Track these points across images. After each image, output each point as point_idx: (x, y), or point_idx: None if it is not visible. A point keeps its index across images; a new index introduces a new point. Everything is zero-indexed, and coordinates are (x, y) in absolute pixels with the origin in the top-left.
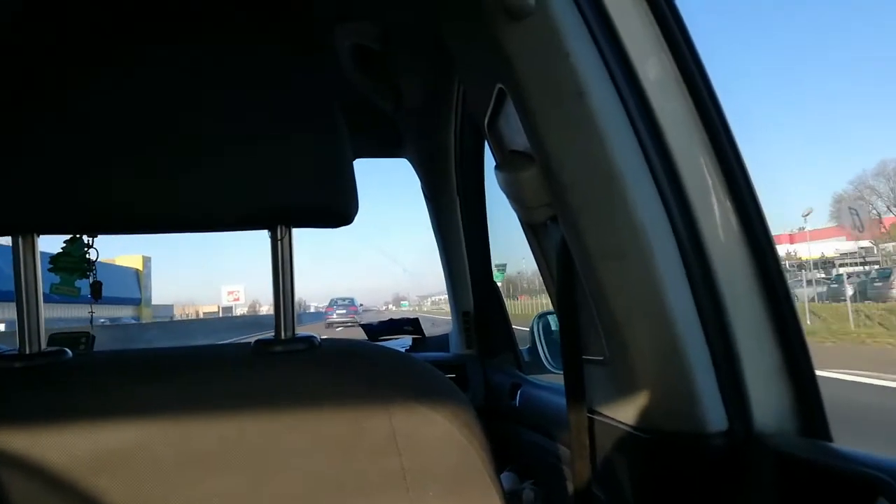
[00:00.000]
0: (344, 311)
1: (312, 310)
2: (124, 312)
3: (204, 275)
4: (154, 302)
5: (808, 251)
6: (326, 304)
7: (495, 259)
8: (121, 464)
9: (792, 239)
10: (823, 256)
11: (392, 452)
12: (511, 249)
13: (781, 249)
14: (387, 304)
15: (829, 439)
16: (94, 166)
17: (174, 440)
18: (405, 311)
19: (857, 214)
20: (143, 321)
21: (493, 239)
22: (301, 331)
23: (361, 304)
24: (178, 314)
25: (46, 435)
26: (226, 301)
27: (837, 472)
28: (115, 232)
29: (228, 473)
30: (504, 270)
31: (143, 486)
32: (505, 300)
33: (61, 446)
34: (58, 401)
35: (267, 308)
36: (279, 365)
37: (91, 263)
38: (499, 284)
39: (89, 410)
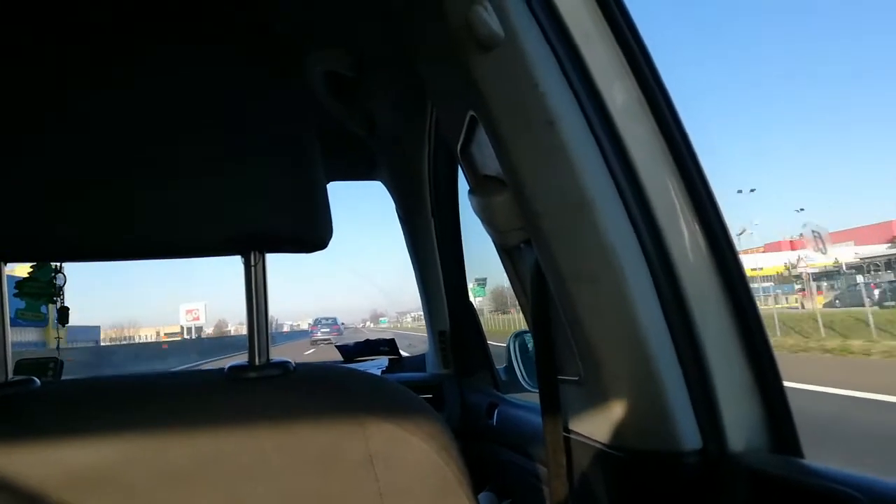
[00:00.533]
0: (328, 330)
1: (287, 329)
2: (27, 336)
3: (158, 292)
4: (79, 322)
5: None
6: (301, 323)
7: (475, 272)
8: (95, 484)
9: (793, 245)
10: (837, 262)
11: (369, 476)
12: (497, 263)
13: (785, 256)
14: (364, 321)
15: (801, 455)
16: (63, 193)
17: (149, 460)
18: (384, 328)
19: (820, 237)
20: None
21: (474, 252)
22: (277, 353)
23: (343, 323)
24: (108, 338)
25: (18, 455)
26: (185, 320)
27: (810, 489)
28: (85, 259)
29: (204, 493)
30: (485, 285)
31: (117, 502)
32: (495, 314)
33: (34, 466)
34: (29, 425)
35: (234, 328)
36: (254, 390)
37: (58, 289)
38: (479, 300)
39: (62, 432)
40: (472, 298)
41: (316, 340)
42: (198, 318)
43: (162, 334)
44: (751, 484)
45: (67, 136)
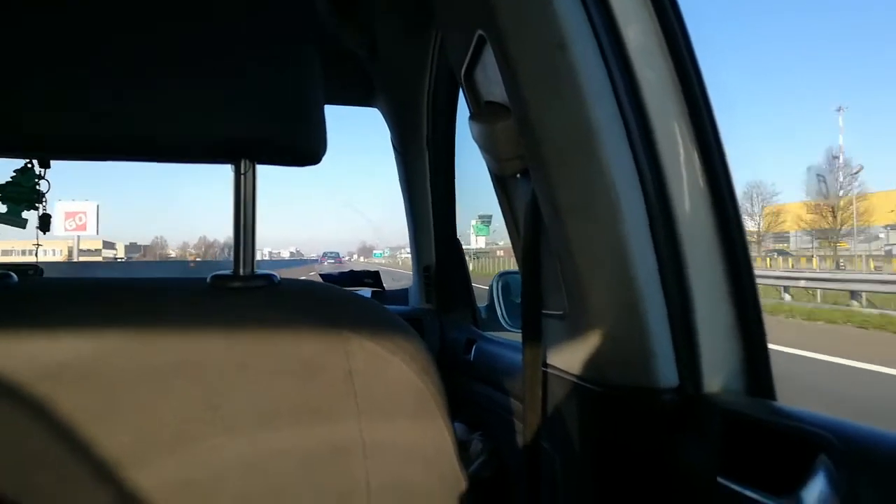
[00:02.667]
0: (332, 261)
1: (266, 256)
2: None
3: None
4: None
5: None
6: (282, 251)
7: (479, 209)
8: (70, 378)
9: None
10: None
11: (348, 390)
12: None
13: None
14: (351, 254)
15: (774, 399)
16: (45, 86)
17: (126, 356)
18: (378, 262)
19: (825, 181)
20: None
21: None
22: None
23: (346, 256)
24: None
25: None
26: (64, 231)
27: (782, 429)
28: (66, 157)
29: (180, 392)
30: (489, 223)
31: (98, 397)
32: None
33: (14, 355)
34: (8, 316)
35: (177, 251)
36: (237, 299)
37: (41, 195)
38: (482, 240)
39: (37, 325)
40: (473, 238)
41: (323, 267)
42: (84, 227)
43: None
44: (724, 424)
45: (54, 31)
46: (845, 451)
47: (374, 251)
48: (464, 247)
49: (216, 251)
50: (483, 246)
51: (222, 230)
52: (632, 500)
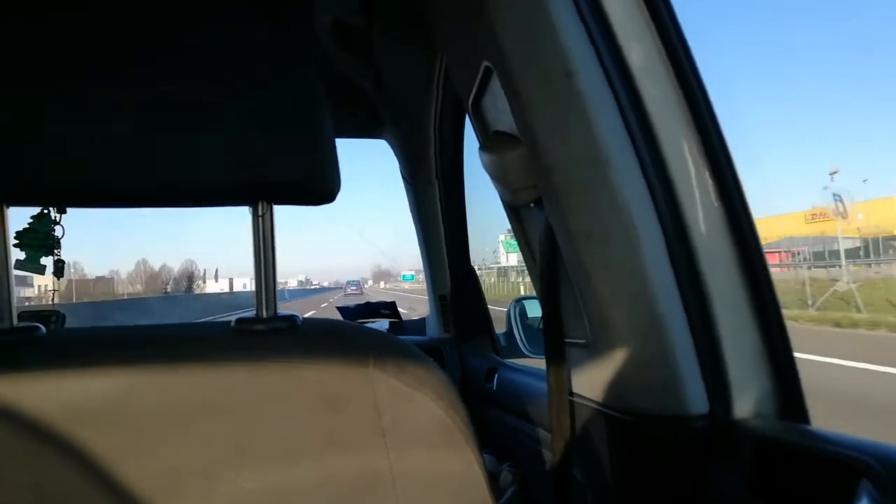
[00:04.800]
0: (354, 288)
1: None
2: None
3: None
4: None
5: None
6: (290, 280)
7: (504, 223)
8: (97, 417)
9: None
10: None
11: (375, 427)
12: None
13: None
14: (364, 280)
15: (807, 422)
16: (65, 137)
17: (152, 395)
18: (409, 287)
19: (841, 200)
20: None
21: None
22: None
23: (366, 283)
24: None
25: (23, 389)
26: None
27: (820, 455)
28: (87, 205)
29: (206, 431)
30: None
31: (125, 437)
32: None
33: (38, 399)
34: (35, 364)
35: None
36: (261, 343)
37: (57, 241)
38: (513, 257)
39: (66, 368)
40: (503, 254)
41: (348, 293)
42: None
43: None
44: (758, 450)
45: (70, 80)
46: (889, 476)
47: (403, 273)
48: (494, 265)
49: (165, 284)
50: (515, 263)
51: (177, 253)
52: None
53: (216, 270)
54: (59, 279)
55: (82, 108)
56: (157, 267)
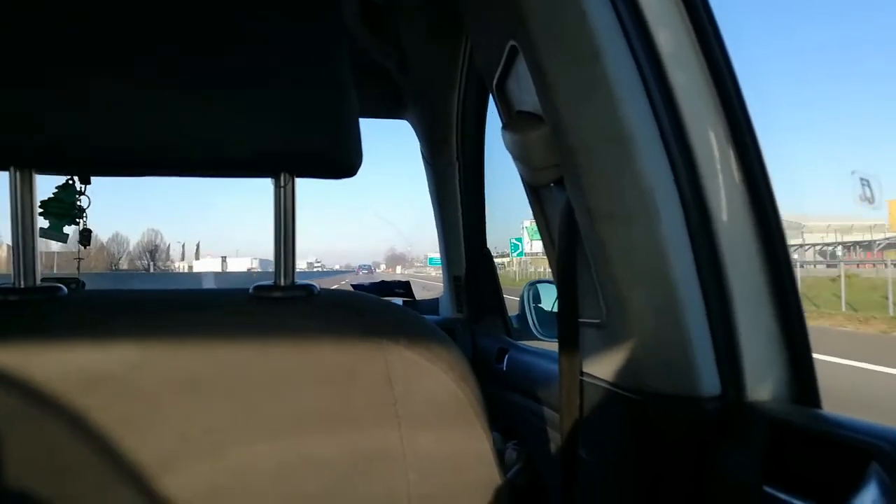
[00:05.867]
0: (366, 271)
1: (256, 267)
2: None
3: None
4: None
5: None
6: (299, 262)
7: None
8: (109, 386)
9: None
10: None
11: (387, 398)
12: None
13: None
14: (377, 264)
15: (819, 406)
16: (89, 104)
17: (165, 366)
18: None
19: (869, 185)
20: None
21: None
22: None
23: (378, 267)
24: None
25: (39, 353)
26: None
27: (830, 438)
28: (113, 173)
29: (219, 401)
30: None
31: (138, 406)
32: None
33: (52, 365)
34: (53, 326)
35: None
36: (277, 310)
37: (82, 211)
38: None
39: (81, 335)
40: (527, 241)
41: (359, 275)
42: None
43: None
44: (769, 432)
45: (95, 48)
46: None
47: (430, 256)
48: (518, 254)
49: (115, 260)
50: (539, 250)
51: (135, 222)
52: None
53: (197, 246)
54: (85, 247)
55: (110, 80)
56: (105, 238)
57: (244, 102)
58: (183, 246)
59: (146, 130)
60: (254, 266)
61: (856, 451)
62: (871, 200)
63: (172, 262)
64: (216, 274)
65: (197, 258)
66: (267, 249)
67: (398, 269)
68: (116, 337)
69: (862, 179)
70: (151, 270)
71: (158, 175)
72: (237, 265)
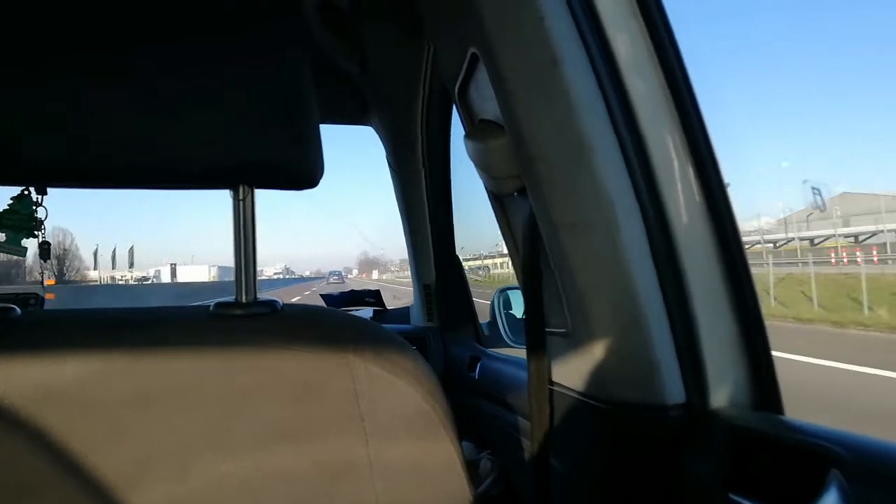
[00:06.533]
0: (336, 278)
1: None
2: None
3: None
4: None
5: None
6: (265, 269)
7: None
8: (67, 401)
9: None
10: None
11: (353, 413)
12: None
13: None
14: (349, 269)
15: (781, 413)
16: (43, 113)
17: (124, 381)
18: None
19: (820, 194)
20: None
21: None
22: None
23: (350, 273)
24: None
25: None
26: None
27: (792, 444)
28: (66, 185)
29: (184, 415)
30: None
31: (98, 422)
32: None
33: (14, 380)
34: (10, 345)
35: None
36: (239, 327)
37: (40, 223)
38: None
39: (37, 351)
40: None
41: (329, 283)
42: None
43: None
44: (733, 439)
45: (49, 60)
46: (856, 465)
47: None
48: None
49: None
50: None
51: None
52: None
53: (130, 253)
54: (45, 261)
55: (62, 89)
56: None
57: (200, 112)
58: (114, 252)
59: (101, 141)
60: (212, 275)
61: (816, 457)
62: (822, 209)
63: (88, 270)
64: (151, 285)
65: (131, 266)
66: (261, 257)
67: (375, 275)
68: (71, 353)
69: (813, 188)
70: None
71: (115, 187)
72: (192, 274)
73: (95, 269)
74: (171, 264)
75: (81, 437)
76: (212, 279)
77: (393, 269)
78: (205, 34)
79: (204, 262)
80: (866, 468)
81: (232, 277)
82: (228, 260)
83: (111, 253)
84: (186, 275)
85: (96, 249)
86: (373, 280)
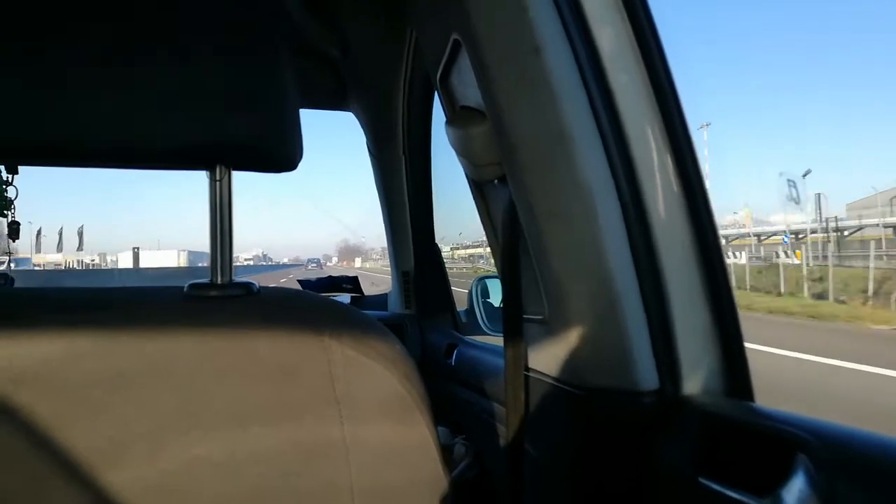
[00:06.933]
0: (314, 266)
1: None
2: None
3: None
4: None
5: None
6: (240, 255)
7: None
8: (37, 382)
9: None
10: None
11: (329, 396)
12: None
13: None
14: (328, 257)
15: (752, 400)
16: (14, 90)
17: (95, 361)
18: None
19: (795, 186)
20: None
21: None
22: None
23: (330, 260)
24: None
25: None
26: None
27: (760, 430)
28: (38, 163)
29: (156, 395)
30: None
31: (68, 401)
32: None
33: None
34: None
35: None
36: (215, 309)
37: (9, 202)
38: None
39: (12, 328)
40: None
41: (308, 270)
42: None
43: None
44: (704, 425)
45: (20, 37)
46: (823, 450)
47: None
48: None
49: None
50: None
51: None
52: (614, 501)
53: (79, 233)
54: (14, 241)
55: (35, 65)
56: None
57: (176, 90)
58: (60, 232)
59: (75, 120)
60: (182, 261)
61: (784, 442)
62: (797, 201)
63: (13, 252)
64: (97, 270)
65: (79, 248)
66: (201, 242)
67: (358, 262)
68: (41, 332)
69: (789, 181)
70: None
71: (89, 166)
72: (158, 260)
73: (39, 251)
74: (134, 248)
75: (53, 416)
76: (181, 265)
77: (375, 256)
78: (184, 13)
79: (173, 248)
80: (832, 453)
81: (204, 263)
82: (202, 245)
83: (58, 234)
84: (151, 260)
85: (39, 230)
86: (355, 269)
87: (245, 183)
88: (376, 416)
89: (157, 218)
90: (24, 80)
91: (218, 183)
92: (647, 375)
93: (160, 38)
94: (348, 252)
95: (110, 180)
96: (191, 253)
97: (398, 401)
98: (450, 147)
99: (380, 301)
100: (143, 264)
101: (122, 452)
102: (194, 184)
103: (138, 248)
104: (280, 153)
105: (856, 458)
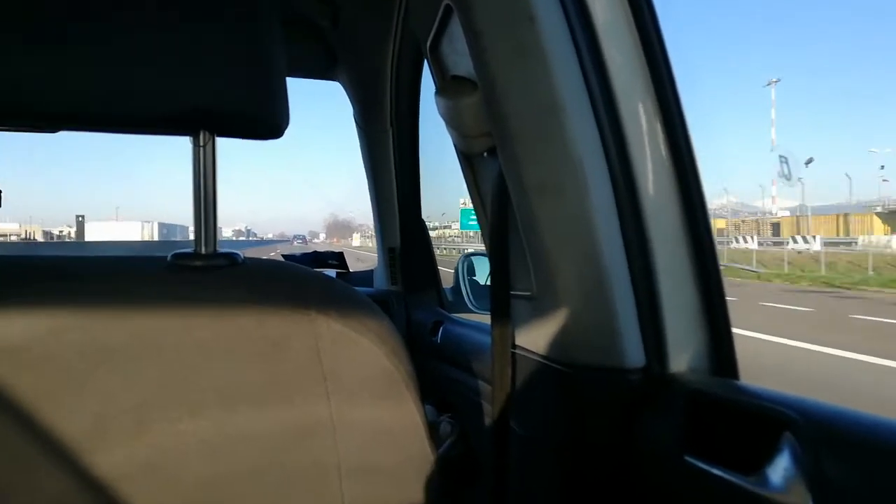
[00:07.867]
0: (300, 242)
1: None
2: None
3: None
4: None
5: None
6: (224, 228)
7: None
8: (30, 355)
9: None
10: None
11: (316, 372)
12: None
13: None
14: (315, 234)
15: (737, 378)
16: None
17: (80, 335)
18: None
19: (787, 162)
20: None
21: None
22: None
23: (317, 237)
24: None
25: None
26: None
27: (746, 408)
28: (15, 125)
29: (142, 371)
30: None
31: (53, 378)
32: None
33: None
34: None
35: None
36: (198, 279)
37: None
38: None
39: None
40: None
41: (294, 247)
42: None
43: None
44: (690, 403)
45: (2, 4)
46: (809, 428)
47: (463, 208)
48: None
49: None
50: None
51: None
52: (599, 479)
53: None
54: None
55: (12, 31)
56: None
57: (162, 57)
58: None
59: (56, 84)
60: (148, 234)
61: (770, 420)
62: (788, 177)
63: None
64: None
65: None
66: (172, 210)
67: (356, 239)
68: (23, 306)
69: (781, 157)
70: None
71: (70, 129)
72: (114, 232)
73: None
74: (78, 216)
75: (38, 394)
76: (146, 239)
77: (369, 233)
78: None
79: (136, 219)
80: (818, 431)
81: (179, 237)
82: (179, 216)
83: None
84: (107, 233)
85: None
86: (352, 247)
87: (232, 154)
88: (363, 393)
89: (115, 185)
90: (3, 45)
91: (202, 149)
92: (633, 353)
93: (145, 6)
94: (337, 227)
95: (48, 139)
96: (162, 225)
97: (385, 376)
98: (439, 120)
99: (365, 277)
100: (94, 237)
101: (107, 432)
102: (164, 148)
103: (83, 217)
104: (265, 120)
105: (842, 436)
